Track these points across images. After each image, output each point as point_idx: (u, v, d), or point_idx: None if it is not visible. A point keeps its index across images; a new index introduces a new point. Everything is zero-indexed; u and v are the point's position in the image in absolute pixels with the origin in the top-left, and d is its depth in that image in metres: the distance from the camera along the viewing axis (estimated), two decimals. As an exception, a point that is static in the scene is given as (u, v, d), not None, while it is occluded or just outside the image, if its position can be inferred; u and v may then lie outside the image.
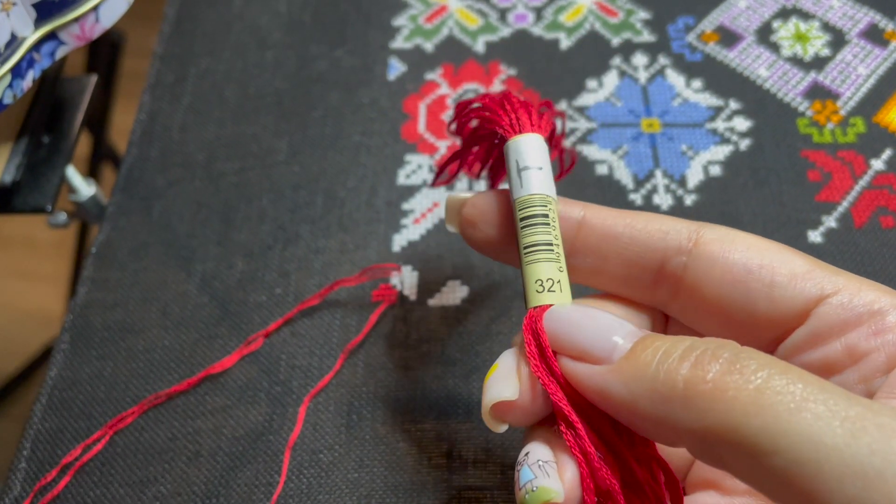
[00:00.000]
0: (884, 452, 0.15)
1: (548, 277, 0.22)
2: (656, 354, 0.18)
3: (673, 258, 0.22)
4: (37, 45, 0.33)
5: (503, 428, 0.21)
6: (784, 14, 0.43)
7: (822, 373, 0.19)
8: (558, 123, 0.26)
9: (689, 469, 0.24)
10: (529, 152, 0.23)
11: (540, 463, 0.20)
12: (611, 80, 0.41)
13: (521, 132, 0.23)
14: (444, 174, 0.30)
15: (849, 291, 0.20)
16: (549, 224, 0.22)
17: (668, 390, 0.17)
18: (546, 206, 0.22)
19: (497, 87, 0.41)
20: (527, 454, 0.20)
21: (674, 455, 0.24)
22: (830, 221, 0.35)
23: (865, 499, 0.14)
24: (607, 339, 0.19)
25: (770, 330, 0.21)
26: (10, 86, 0.32)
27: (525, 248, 0.22)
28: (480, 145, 0.27)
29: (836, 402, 0.16)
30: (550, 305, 0.21)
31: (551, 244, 0.22)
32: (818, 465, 0.15)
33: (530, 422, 0.21)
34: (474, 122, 0.26)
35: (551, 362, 0.20)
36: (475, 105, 0.26)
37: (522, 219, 0.22)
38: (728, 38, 0.42)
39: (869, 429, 0.15)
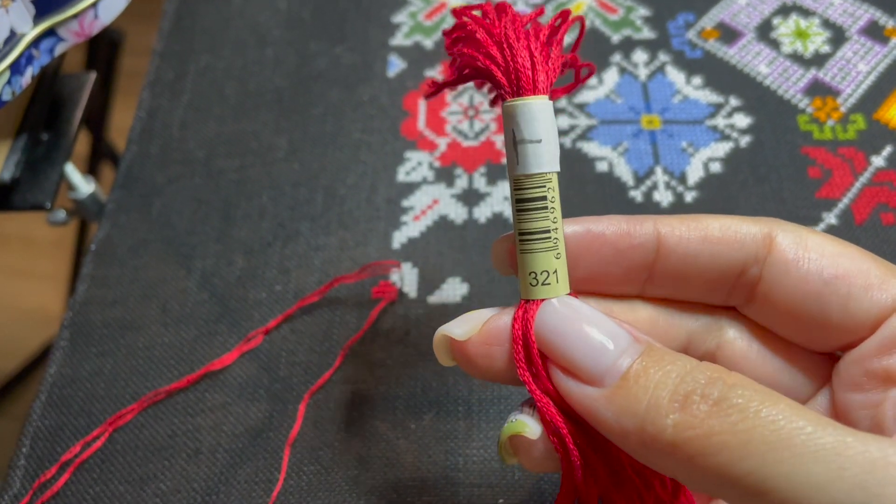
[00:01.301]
0: (869, 485, 0.15)
1: (542, 269, 0.20)
2: (647, 391, 0.18)
3: (749, 269, 0.21)
4: (36, 42, 0.33)
5: (451, 363, 0.21)
6: (784, 11, 0.43)
7: (883, 382, 0.19)
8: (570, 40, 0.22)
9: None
10: (529, 122, 0.20)
11: (527, 411, 0.20)
12: (611, 77, 0.41)
13: (519, 94, 0.20)
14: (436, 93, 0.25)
15: None
16: (546, 208, 0.20)
17: (657, 433, 0.17)
18: (544, 186, 0.20)
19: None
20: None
21: None
22: (831, 218, 0.35)
23: None
24: (598, 360, 0.19)
25: (842, 338, 0.21)
26: (9, 82, 0.32)
27: (520, 234, 0.21)
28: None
29: (824, 437, 0.16)
30: (543, 300, 0.20)
31: (548, 230, 0.20)
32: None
33: (487, 372, 0.21)
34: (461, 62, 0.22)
35: (538, 367, 0.20)
36: (465, 34, 0.21)
37: (518, 201, 0.20)
38: (728, 34, 0.42)
39: (856, 462, 0.15)
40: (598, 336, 0.19)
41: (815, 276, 0.20)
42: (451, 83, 0.23)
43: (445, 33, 0.22)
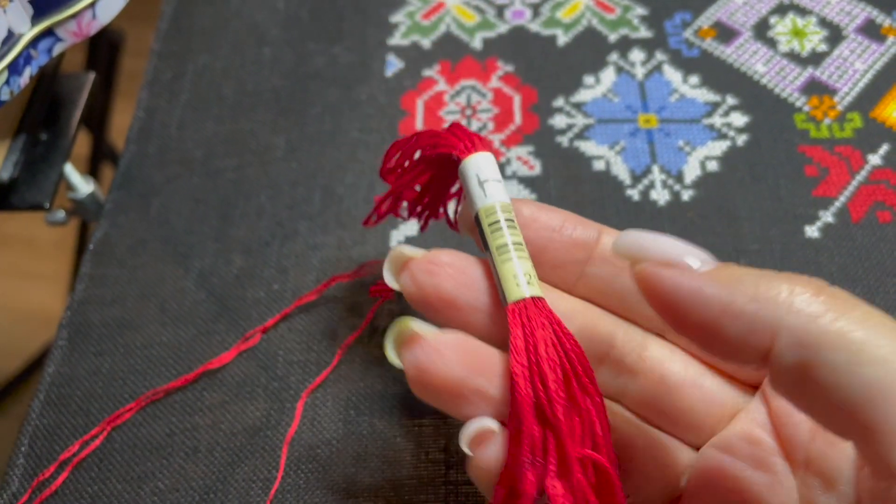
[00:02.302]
0: None
1: (525, 272, 0.22)
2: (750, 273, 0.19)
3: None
4: (34, 42, 0.33)
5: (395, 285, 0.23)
6: (781, 10, 0.43)
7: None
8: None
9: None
10: (488, 166, 0.24)
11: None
12: (608, 76, 0.41)
13: (476, 151, 0.25)
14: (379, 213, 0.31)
15: None
16: (516, 227, 0.23)
17: (773, 294, 0.18)
18: (510, 212, 0.23)
19: (494, 83, 0.41)
20: None
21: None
22: (827, 216, 0.35)
23: None
24: (696, 254, 0.19)
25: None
26: (7, 82, 0.32)
27: (498, 248, 0.23)
28: (420, 179, 0.29)
29: None
30: (535, 297, 0.22)
31: (521, 243, 0.23)
32: None
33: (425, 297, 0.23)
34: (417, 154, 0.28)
35: (538, 355, 0.21)
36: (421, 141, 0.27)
37: (491, 224, 0.23)
38: (725, 33, 0.42)
39: None
40: (683, 243, 0.20)
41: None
42: (413, 174, 0.28)
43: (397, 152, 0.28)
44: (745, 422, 0.23)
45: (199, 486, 0.30)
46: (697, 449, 0.23)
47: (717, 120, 0.39)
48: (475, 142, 0.25)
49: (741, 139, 0.38)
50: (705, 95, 0.40)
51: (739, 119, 0.39)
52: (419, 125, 0.40)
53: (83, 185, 0.41)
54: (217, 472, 0.30)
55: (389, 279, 0.24)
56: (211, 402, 0.32)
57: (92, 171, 0.83)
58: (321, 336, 0.33)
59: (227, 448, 0.31)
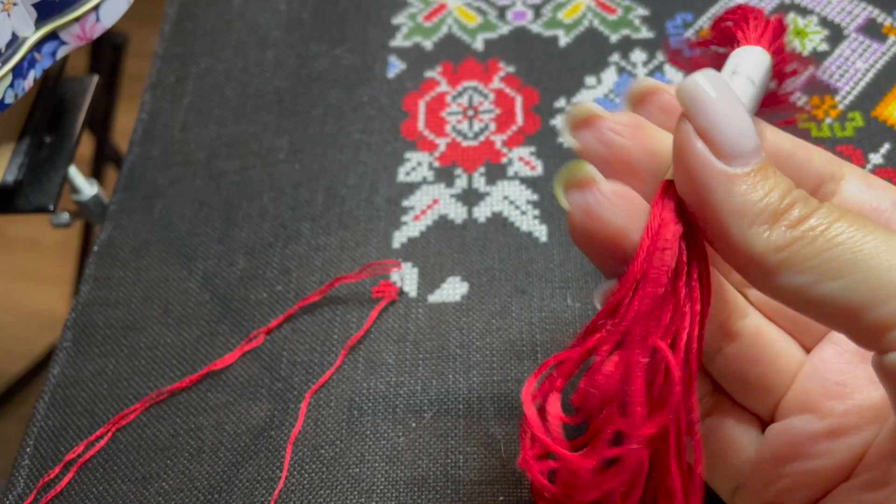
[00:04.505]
0: None
1: None
2: (766, 190, 0.19)
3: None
4: (38, 45, 0.34)
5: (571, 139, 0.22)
6: (782, 10, 0.43)
7: None
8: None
9: (784, 393, 0.24)
10: (747, 62, 0.23)
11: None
12: (609, 76, 0.41)
13: (747, 43, 0.23)
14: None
15: None
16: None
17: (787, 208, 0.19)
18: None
19: (496, 84, 0.41)
20: None
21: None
22: (829, 215, 0.35)
23: None
24: (740, 142, 0.19)
25: None
26: (12, 85, 0.32)
27: None
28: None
29: None
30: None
31: None
32: None
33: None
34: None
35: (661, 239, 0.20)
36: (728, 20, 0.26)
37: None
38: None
39: None
40: (748, 122, 0.19)
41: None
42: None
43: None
44: None
45: (203, 487, 0.30)
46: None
47: (718, 120, 0.39)
48: (750, 34, 0.24)
49: (743, 139, 0.38)
50: (707, 95, 0.40)
51: (741, 119, 0.39)
52: (421, 126, 0.40)
53: (87, 188, 0.41)
54: (221, 473, 0.31)
55: (567, 135, 0.22)
56: (215, 402, 0.32)
57: (96, 173, 0.84)
58: (324, 337, 0.34)
59: (231, 448, 0.31)
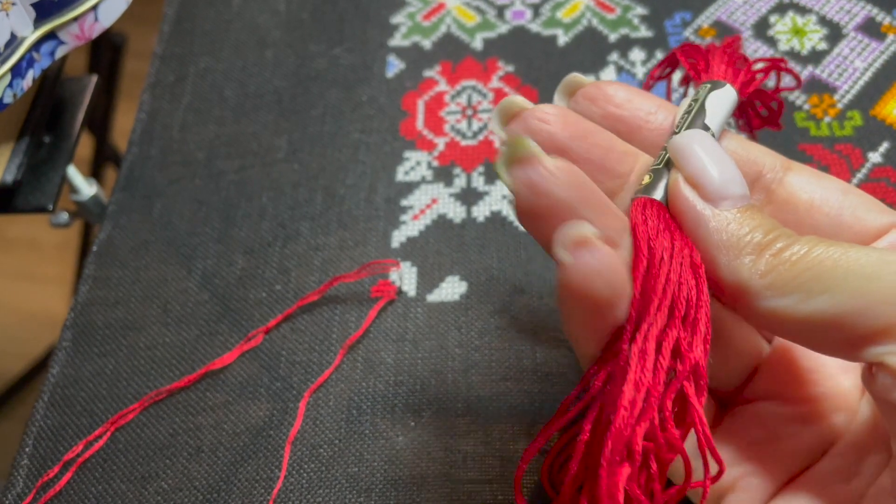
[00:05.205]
0: None
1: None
2: (750, 227, 0.20)
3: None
4: (36, 45, 0.33)
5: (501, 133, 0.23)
6: (781, 8, 0.43)
7: None
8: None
9: (750, 378, 0.24)
10: (717, 104, 0.24)
11: None
12: (608, 75, 0.41)
13: (707, 78, 0.25)
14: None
15: None
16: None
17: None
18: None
19: (495, 83, 0.41)
20: None
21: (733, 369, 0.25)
22: (828, 214, 0.36)
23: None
24: (727, 186, 0.21)
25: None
26: (10, 85, 0.32)
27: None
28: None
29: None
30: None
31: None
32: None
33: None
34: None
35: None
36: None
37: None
38: (725, 33, 0.42)
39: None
40: (735, 170, 0.21)
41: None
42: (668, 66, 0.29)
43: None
44: None
45: (202, 486, 0.30)
46: None
47: (717, 119, 0.39)
48: (711, 67, 0.25)
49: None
50: (705, 94, 0.40)
51: (739, 118, 0.39)
52: (420, 126, 0.40)
53: (86, 188, 0.41)
54: (220, 472, 0.31)
55: (497, 129, 0.23)
56: (214, 402, 0.32)
57: (95, 173, 0.84)
58: (323, 336, 0.34)
59: (230, 448, 0.31)
